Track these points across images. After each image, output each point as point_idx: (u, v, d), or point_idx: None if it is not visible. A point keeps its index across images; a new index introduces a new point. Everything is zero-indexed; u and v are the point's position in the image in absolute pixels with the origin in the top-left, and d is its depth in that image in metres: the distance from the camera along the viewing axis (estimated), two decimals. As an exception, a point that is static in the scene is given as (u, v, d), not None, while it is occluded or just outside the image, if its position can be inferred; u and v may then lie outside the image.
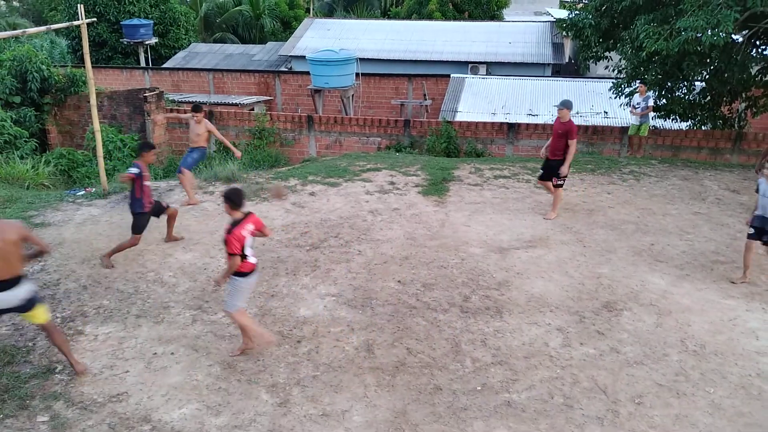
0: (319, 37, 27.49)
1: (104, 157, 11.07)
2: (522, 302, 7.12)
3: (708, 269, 7.91)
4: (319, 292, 7.22)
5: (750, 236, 7.49)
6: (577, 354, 6.13)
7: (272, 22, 36.64)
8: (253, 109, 20.39)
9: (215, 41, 34.18)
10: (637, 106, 13.60)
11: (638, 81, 14.25)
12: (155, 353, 6.03)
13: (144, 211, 7.68)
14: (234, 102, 21.34)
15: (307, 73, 20.95)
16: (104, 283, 7.33)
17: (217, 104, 20.65)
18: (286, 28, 36.48)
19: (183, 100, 20.94)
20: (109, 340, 6.25)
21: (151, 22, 29.26)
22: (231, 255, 5.54)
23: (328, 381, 5.68)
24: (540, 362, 6.02)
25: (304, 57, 22.38)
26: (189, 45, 30.97)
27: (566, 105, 9.15)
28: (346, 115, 19.58)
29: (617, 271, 7.82)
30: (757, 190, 7.52)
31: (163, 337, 6.23)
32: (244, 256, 5.63)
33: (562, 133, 9.13)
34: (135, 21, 28.42)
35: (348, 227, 9.09)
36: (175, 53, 30.05)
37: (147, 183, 7.65)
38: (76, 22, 9.96)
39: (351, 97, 20.52)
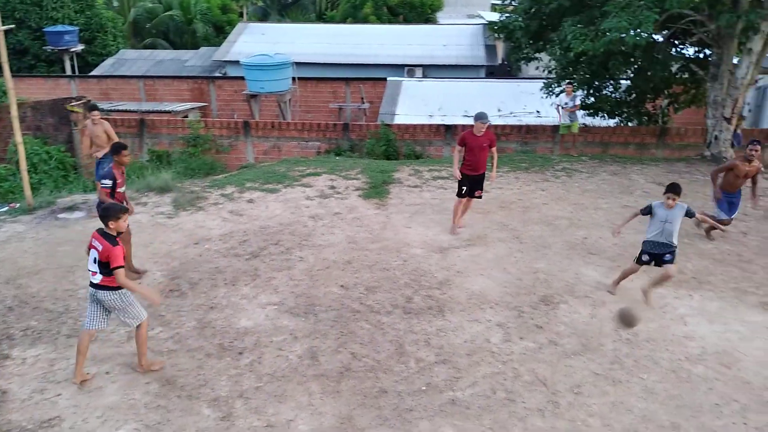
0: (254, 42, 27.10)
1: (29, 171, 10.53)
2: (463, 300, 7.23)
3: (637, 260, 8.23)
4: (260, 301, 7.10)
5: (641, 262, 7.18)
6: (517, 348, 6.27)
7: (205, 26, 35.86)
8: (186, 116, 19.90)
9: (145, 47, 33.18)
10: (565, 106, 14.09)
11: (567, 81, 14.74)
12: (88, 373, 5.76)
13: None
14: (167, 109, 20.75)
15: (243, 78, 20.62)
16: (32, 303, 6.97)
17: (149, 112, 20.03)
18: (220, 32, 35.79)
19: (112, 108, 20.21)
20: (39, 362, 5.95)
21: (77, 28, 28.13)
22: None
23: (271, 391, 5.60)
24: (482, 358, 6.12)
25: (239, 62, 22.02)
26: (117, 51, 29.95)
27: (487, 118, 8.89)
28: (284, 120, 19.38)
29: (553, 265, 8.05)
30: (648, 212, 7.14)
31: (96, 357, 5.97)
32: None
33: (488, 144, 8.88)
34: (59, 27, 27.24)
35: (288, 234, 8.99)
36: (103, 60, 28.99)
37: (120, 189, 7.30)
38: (-9, 30, 9.45)
39: (288, 102, 20.34)
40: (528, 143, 15.88)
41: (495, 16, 17.89)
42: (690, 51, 15.18)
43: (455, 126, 16.28)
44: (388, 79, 22.19)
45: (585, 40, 12.43)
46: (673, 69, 15.03)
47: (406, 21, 34.35)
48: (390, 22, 33.59)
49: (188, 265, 8.00)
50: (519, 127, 16.19)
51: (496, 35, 18.44)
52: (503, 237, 9.00)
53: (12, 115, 9.81)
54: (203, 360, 6.03)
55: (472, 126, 8.85)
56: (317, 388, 5.64)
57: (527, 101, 19.64)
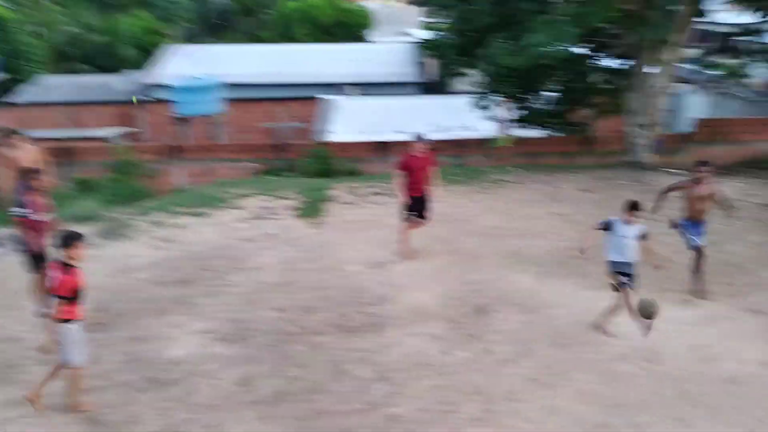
0: (184, 64, 26.54)
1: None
2: (401, 315, 7.24)
3: (566, 265, 8.48)
4: (191, 329, 6.89)
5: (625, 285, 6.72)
6: (454, 359, 6.32)
7: (132, 50, 35.00)
8: (114, 142, 19.28)
9: (69, 72, 32.03)
10: (501, 119, 14.06)
11: (499, 95, 15.13)
12: (7, 418, 5.43)
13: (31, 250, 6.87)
14: (94, 136, 20.07)
15: (173, 101, 20.23)
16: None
17: (75, 139, 19.31)
18: (148, 55, 35.00)
19: (35, 137, 19.36)
20: (-50, 409, 5.56)
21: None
22: None
23: (206, 423, 5.42)
24: (420, 372, 6.13)
25: (169, 85, 21.59)
26: (38, 78, 28.77)
27: (426, 138, 8.85)
28: (217, 142, 19.08)
29: (487, 275, 8.18)
30: (606, 228, 6.78)
31: (14, 400, 5.61)
32: None
33: (428, 164, 8.81)
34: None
35: (221, 258, 8.80)
36: (22, 87, 27.76)
37: (41, 217, 6.91)
38: None
39: (220, 124, 20.05)
40: (461, 156, 16.17)
41: (425, 34, 18.27)
42: (609, 63, 15.91)
43: (389, 143, 16.43)
44: (321, 97, 22.23)
45: (511, 55, 12.84)
46: (595, 80, 15.70)
47: (338, 40, 34.56)
48: (322, 41, 33.71)
49: (117, 295, 7.69)
50: (452, 142, 16.48)
51: (426, 52, 18.83)
52: (439, 250, 9.10)
53: None
54: (132, 394, 5.79)
55: (410, 148, 8.72)
56: (253, 415, 5.50)
57: (459, 116, 20.04)
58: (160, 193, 14.77)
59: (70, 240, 5.35)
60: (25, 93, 26.90)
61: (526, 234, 9.64)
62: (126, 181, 15.13)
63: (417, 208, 8.88)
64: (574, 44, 12.93)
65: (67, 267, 5.26)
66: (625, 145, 14.50)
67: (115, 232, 9.67)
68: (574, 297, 7.61)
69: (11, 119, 22.15)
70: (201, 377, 6.02)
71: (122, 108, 23.38)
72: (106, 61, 34.40)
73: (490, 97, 15.92)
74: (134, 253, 9.00)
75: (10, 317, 7.11)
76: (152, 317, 7.13)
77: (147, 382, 5.93)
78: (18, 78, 29.22)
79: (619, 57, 15.39)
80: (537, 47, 12.23)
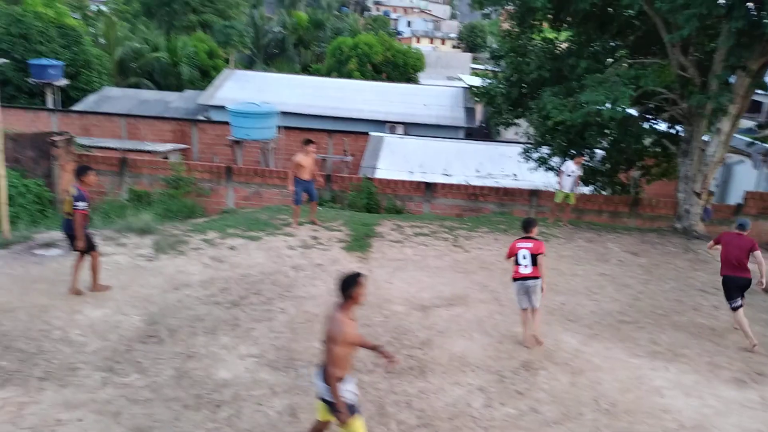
0: (239, 88, 27.50)
1: (7, 204, 10.33)
2: (444, 362, 7.21)
3: (615, 329, 8.38)
4: (239, 352, 6.99)
5: None
6: (498, 414, 6.25)
7: (190, 70, 36.31)
8: (167, 157, 19.88)
9: (130, 86, 33.34)
10: (571, 174, 13.25)
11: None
12: (59, 420, 5.57)
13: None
14: (148, 149, 20.75)
15: (226, 123, 20.82)
16: (3, 342, 6.75)
17: (130, 150, 19.98)
18: (205, 76, 36.24)
19: (93, 145, 20.10)
20: (7, 405, 5.72)
21: (61, 63, 28.16)
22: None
23: (250, 448, 5.47)
24: (463, 423, 6.08)
25: (223, 107, 22.30)
26: (101, 88, 29.99)
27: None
28: (267, 167, 19.49)
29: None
30: None
31: (69, 402, 5.78)
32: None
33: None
34: (43, 61, 27.26)
35: (270, 283, 8.93)
36: (86, 96, 28.96)
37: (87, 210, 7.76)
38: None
39: (272, 150, 20.51)
40: (505, 205, 16.22)
41: (474, 80, 18.56)
42: (662, 126, 15.87)
43: (435, 183, 16.58)
44: (370, 133, 22.63)
45: (563, 111, 12.92)
46: (646, 142, 15.66)
47: (389, 79, 35.27)
48: (373, 78, 34.46)
49: (167, 310, 7.87)
50: (497, 189, 16.56)
51: (475, 99, 19.07)
52: (483, 298, 9.08)
53: (-2, 148, 9.67)
54: (180, 411, 5.88)
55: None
56: (297, 446, 5.53)
57: (504, 164, 20.17)
58: (210, 212, 15.15)
59: (535, 223, 7.93)
60: (88, 101, 28.04)
61: (572, 292, 9.57)
62: (178, 196, 15.57)
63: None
64: (628, 105, 12.94)
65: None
66: (676, 211, 14.35)
67: (168, 247, 9.93)
68: (621, 363, 7.48)
69: (72, 125, 23.10)
70: (247, 402, 6.09)
71: (178, 124, 24.13)
72: (165, 79, 35.75)
73: (538, 148, 15.98)
74: (186, 270, 9.21)
75: (72, 321, 7.34)
76: (202, 336, 7.26)
77: (195, 400, 6.02)
78: (82, 86, 30.53)
79: (672, 121, 15.37)
80: (591, 105, 12.28)
